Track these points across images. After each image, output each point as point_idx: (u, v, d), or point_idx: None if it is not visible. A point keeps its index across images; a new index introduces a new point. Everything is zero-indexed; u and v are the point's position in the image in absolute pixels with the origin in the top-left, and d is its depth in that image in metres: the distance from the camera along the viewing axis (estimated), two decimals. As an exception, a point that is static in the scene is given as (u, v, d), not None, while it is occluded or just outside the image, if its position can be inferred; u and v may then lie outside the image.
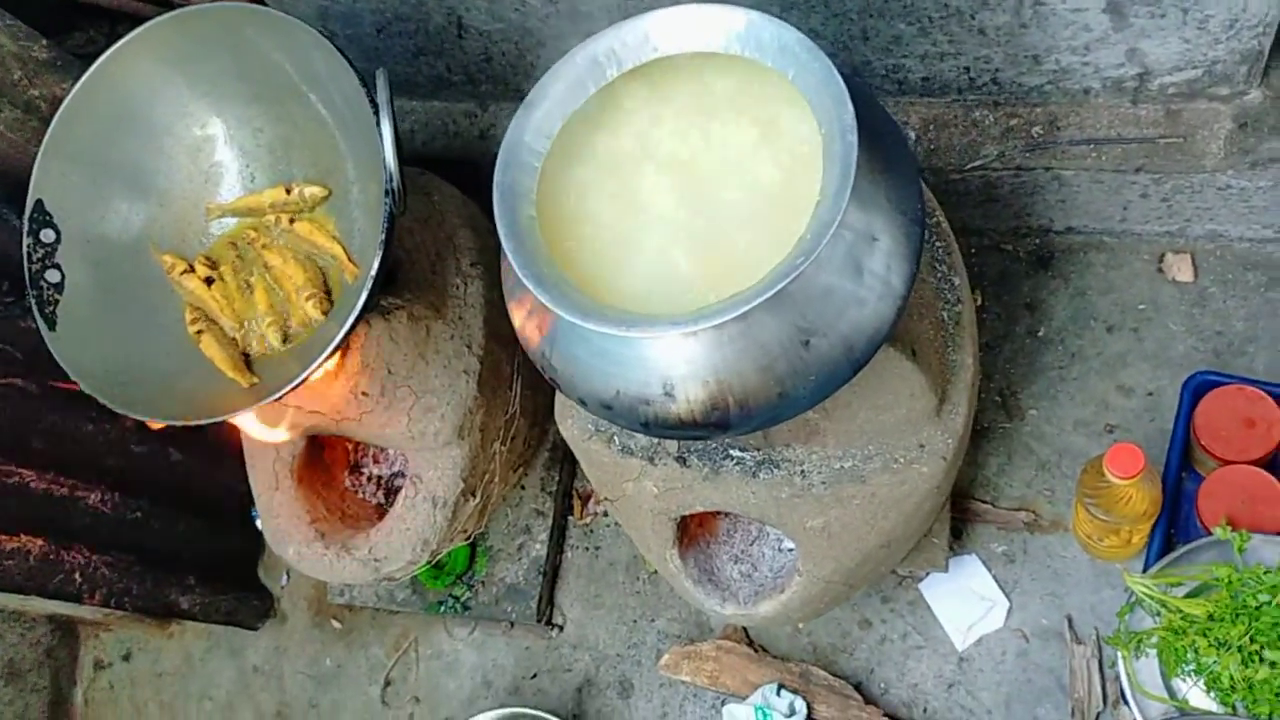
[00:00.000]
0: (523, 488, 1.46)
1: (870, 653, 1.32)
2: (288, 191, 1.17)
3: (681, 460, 1.07)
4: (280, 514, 1.30)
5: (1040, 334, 1.38)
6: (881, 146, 0.85)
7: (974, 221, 1.40)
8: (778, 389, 0.84)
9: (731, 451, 1.07)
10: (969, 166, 1.30)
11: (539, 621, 1.43)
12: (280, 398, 1.07)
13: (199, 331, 1.17)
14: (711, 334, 0.82)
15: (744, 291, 0.78)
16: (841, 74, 0.80)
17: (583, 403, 0.90)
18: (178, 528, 1.46)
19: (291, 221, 1.19)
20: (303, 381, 1.06)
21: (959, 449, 1.07)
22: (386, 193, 1.02)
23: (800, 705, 1.26)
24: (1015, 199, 1.35)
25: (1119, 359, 1.34)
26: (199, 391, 1.13)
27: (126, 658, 1.64)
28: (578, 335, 0.85)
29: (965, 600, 1.30)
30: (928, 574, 1.31)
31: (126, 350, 1.13)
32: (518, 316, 0.91)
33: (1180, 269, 1.36)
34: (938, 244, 1.09)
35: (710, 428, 0.86)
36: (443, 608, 1.46)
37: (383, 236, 1.02)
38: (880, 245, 0.83)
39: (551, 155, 0.86)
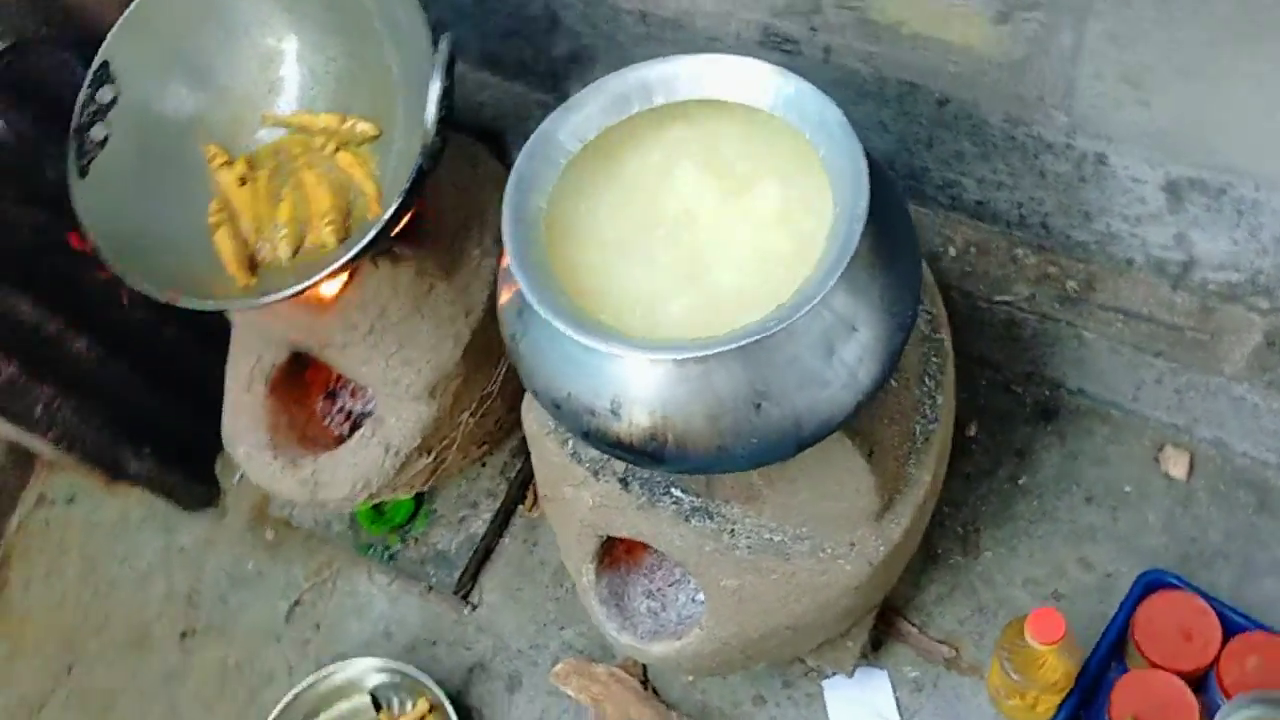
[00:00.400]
0: (483, 465, 1.48)
1: (755, 730, 1.31)
2: (342, 121, 1.21)
3: (624, 483, 1.08)
4: (242, 414, 1.33)
5: (1021, 482, 1.37)
6: (890, 246, 0.86)
7: (991, 354, 1.39)
8: (718, 441, 0.85)
9: (673, 490, 1.08)
10: (998, 299, 1.30)
11: (456, 594, 1.44)
12: (270, 303, 1.10)
13: (218, 224, 1.21)
14: (671, 367, 0.83)
15: (714, 337, 0.79)
16: (874, 169, 0.82)
17: (536, 394, 0.91)
18: (150, 398, 1.50)
19: (336, 150, 1.22)
20: (296, 294, 1.09)
21: (891, 559, 1.07)
22: (422, 147, 1.04)
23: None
24: (1035, 345, 1.35)
25: (1089, 532, 1.33)
26: (198, 278, 1.16)
27: (70, 500, 1.68)
28: (548, 331, 0.86)
29: (862, 712, 1.29)
30: (834, 674, 1.30)
31: (144, 220, 1.16)
32: (503, 296, 0.93)
33: (1176, 464, 1.35)
34: (933, 360, 1.09)
35: (645, 456, 0.87)
36: (371, 551, 1.48)
37: (407, 185, 1.05)
38: (858, 337, 0.84)
39: (577, 159, 0.88)
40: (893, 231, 0.87)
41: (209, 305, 1.14)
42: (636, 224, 0.89)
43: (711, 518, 1.05)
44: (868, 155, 0.82)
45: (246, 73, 1.23)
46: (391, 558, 1.47)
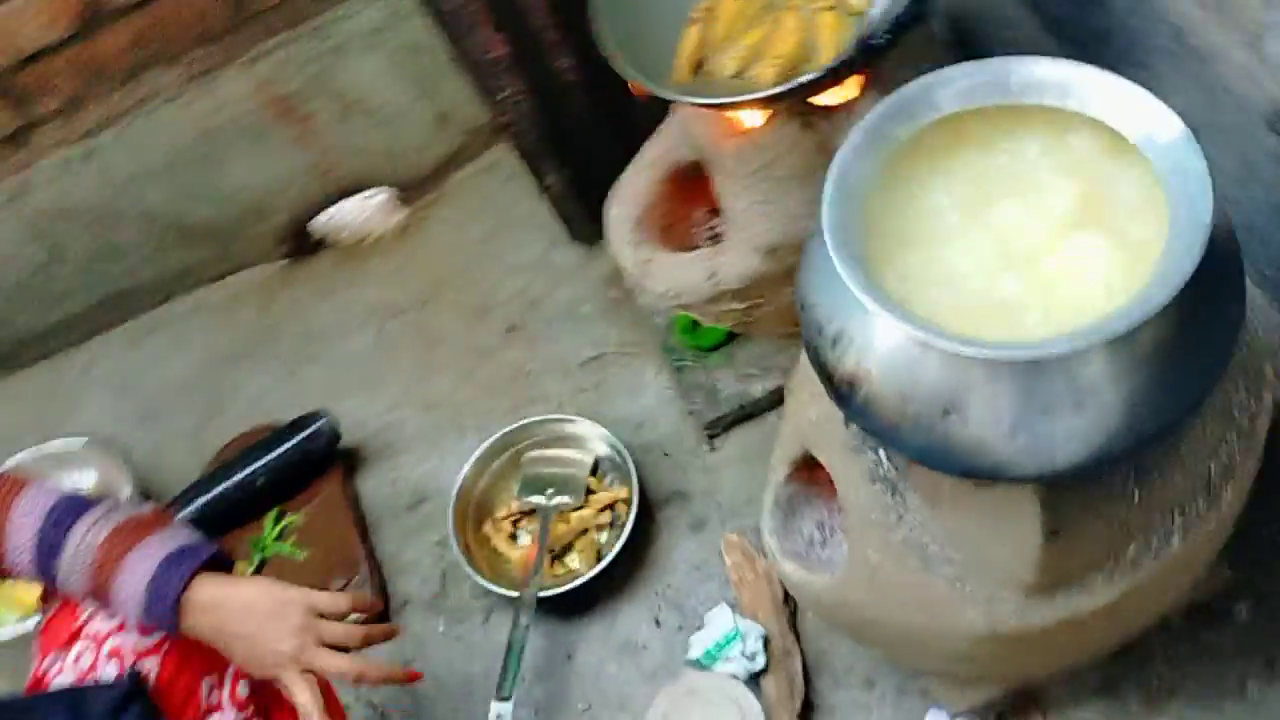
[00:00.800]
0: (792, 342, 1.55)
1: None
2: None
3: (846, 418, 1.12)
4: (633, 183, 1.48)
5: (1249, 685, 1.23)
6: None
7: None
8: (896, 420, 0.88)
9: (880, 451, 1.09)
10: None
11: (705, 430, 1.56)
12: (685, 102, 1.23)
13: (694, 20, 1.32)
14: (901, 338, 0.85)
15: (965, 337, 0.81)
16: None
17: (796, 291, 0.97)
18: (590, 135, 1.67)
19: (826, 9, 1.28)
20: (700, 104, 1.21)
21: (1027, 639, 1.04)
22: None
23: (762, 661, 1.33)
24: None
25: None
26: (661, 65, 1.30)
27: (508, 179, 1.94)
28: (821, 245, 0.91)
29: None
30: (943, 707, 1.28)
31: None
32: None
33: None
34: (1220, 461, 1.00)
35: (837, 393, 0.92)
36: (670, 354, 1.61)
37: (846, 55, 1.13)
38: (1097, 399, 0.82)
39: (928, 130, 0.90)
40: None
41: (643, 85, 1.27)
42: (970, 214, 0.91)
43: (893, 493, 1.07)
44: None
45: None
46: (680, 369, 1.60)
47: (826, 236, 0.87)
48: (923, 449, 0.88)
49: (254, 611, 0.98)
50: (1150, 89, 0.85)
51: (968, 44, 1.51)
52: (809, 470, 1.20)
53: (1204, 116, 1.29)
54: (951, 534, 1.03)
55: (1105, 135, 0.88)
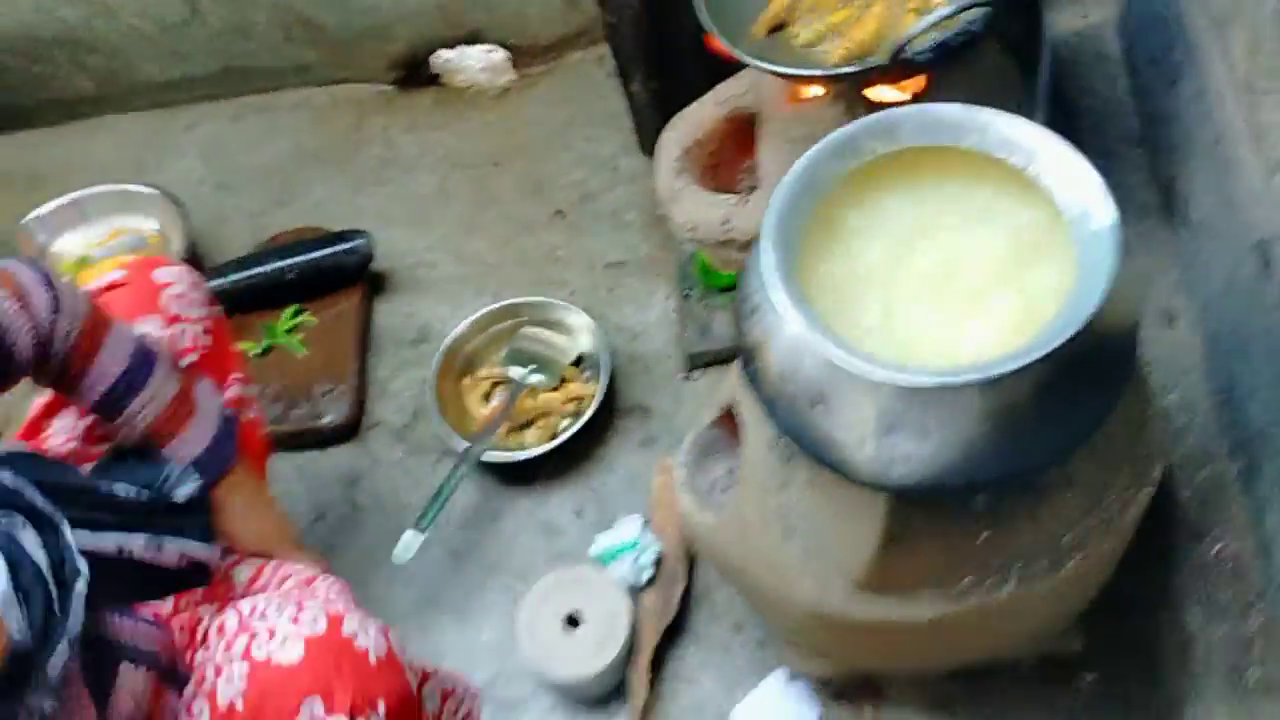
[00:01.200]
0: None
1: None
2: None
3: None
4: (696, 114, 1.56)
5: None
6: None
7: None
8: (774, 389, 0.96)
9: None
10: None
11: (689, 367, 1.65)
12: (749, 63, 1.31)
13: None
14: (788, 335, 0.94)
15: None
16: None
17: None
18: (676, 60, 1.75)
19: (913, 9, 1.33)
20: (763, 70, 1.30)
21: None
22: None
23: (648, 575, 1.45)
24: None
25: None
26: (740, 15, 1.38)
27: (607, 73, 2.04)
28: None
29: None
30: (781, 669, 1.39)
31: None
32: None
33: None
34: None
35: (734, 358, 1.00)
36: (682, 281, 1.71)
37: (920, 51, 1.19)
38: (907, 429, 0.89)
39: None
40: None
41: (714, 35, 1.34)
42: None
43: (785, 463, 1.14)
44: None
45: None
46: (686, 298, 1.70)
47: (767, 222, 0.95)
48: (790, 428, 0.97)
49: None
50: (1178, 177, 0.89)
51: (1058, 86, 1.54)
52: (734, 421, 1.29)
53: (1210, 218, 1.33)
54: (812, 513, 1.12)
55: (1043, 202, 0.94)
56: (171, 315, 1.20)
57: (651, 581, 1.46)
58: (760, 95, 1.50)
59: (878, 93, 1.37)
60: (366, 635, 0.99)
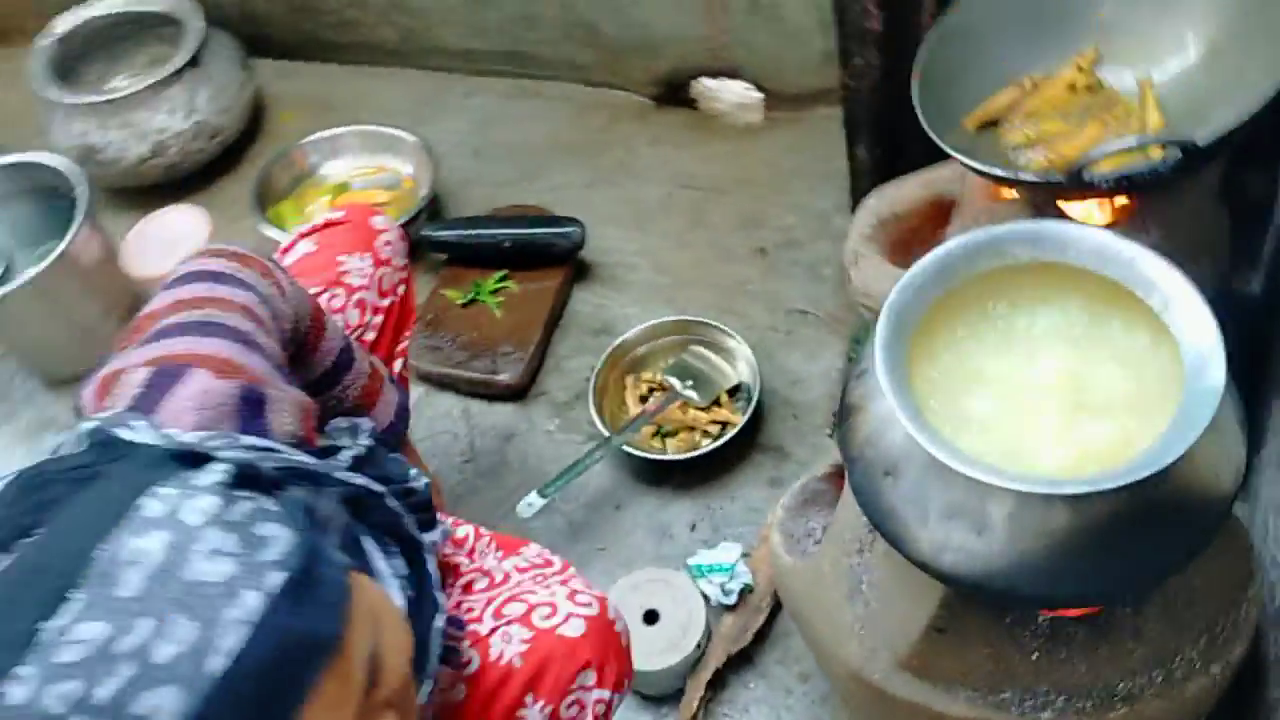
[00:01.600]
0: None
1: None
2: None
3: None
4: (904, 184, 1.62)
5: None
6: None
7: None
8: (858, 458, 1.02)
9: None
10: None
11: (834, 426, 1.71)
12: (954, 157, 1.34)
13: (1016, 85, 1.44)
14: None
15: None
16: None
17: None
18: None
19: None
20: (967, 167, 1.33)
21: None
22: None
23: (732, 600, 1.52)
24: None
25: None
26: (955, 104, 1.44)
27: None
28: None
29: None
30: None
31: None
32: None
33: None
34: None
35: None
36: (852, 346, 1.76)
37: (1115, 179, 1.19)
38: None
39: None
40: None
41: (923, 121, 1.40)
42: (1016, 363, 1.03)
43: (869, 529, 1.20)
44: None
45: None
46: (851, 361, 1.75)
47: (894, 291, 1.01)
48: (861, 490, 1.02)
49: None
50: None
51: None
52: (842, 478, 1.35)
53: None
54: (879, 583, 1.16)
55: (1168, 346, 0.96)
56: (383, 258, 1.37)
57: (734, 608, 1.53)
58: (965, 184, 1.54)
59: (1072, 208, 1.39)
60: (622, 620, 1.13)
